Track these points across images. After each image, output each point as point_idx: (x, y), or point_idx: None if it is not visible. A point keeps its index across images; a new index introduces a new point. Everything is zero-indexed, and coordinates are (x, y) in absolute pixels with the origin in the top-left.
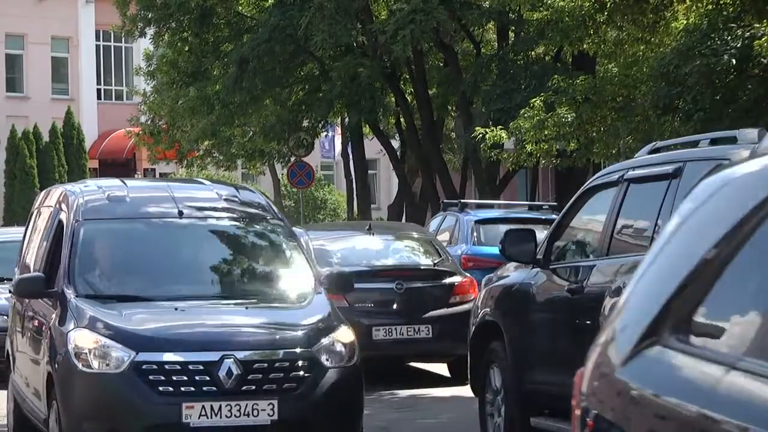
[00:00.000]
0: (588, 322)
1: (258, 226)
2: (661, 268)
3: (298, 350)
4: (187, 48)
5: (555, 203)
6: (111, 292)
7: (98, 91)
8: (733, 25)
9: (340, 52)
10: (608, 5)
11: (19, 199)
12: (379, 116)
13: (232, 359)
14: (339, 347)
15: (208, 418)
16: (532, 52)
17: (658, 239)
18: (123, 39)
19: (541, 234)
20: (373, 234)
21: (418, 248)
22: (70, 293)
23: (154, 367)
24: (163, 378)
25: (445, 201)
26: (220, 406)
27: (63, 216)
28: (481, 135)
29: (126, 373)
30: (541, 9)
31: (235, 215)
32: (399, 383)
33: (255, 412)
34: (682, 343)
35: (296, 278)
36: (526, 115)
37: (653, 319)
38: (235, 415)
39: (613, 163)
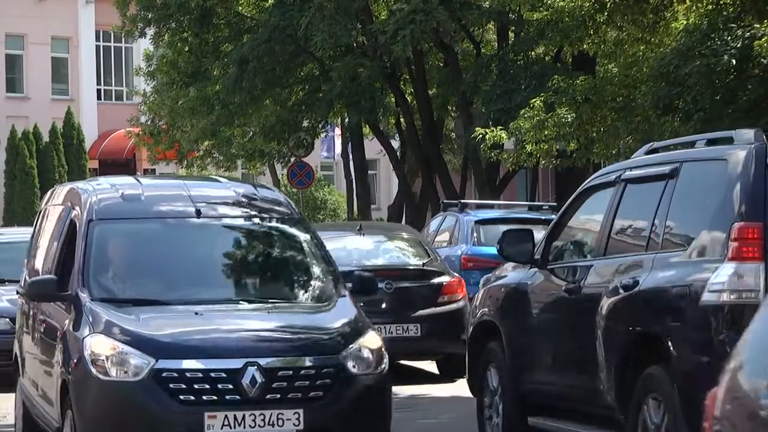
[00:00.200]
0: (585, 322)
1: (278, 226)
2: None
3: (324, 357)
4: (187, 48)
5: (555, 203)
6: (127, 296)
7: (98, 91)
8: (733, 25)
9: (340, 52)
10: (608, 5)
11: (19, 200)
12: (379, 116)
13: (255, 366)
14: (366, 353)
15: (231, 428)
16: (532, 53)
17: None
18: (123, 39)
19: (541, 234)
20: (363, 234)
21: (408, 249)
22: (84, 297)
23: (175, 375)
24: (184, 386)
25: (445, 201)
26: (244, 416)
27: (75, 215)
28: (481, 135)
29: (145, 381)
30: (541, 9)
31: (254, 214)
32: (398, 383)
33: (280, 422)
34: None
35: (319, 280)
36: (526, 115)
37: None
38: (259, 425)
39: (613, 164)
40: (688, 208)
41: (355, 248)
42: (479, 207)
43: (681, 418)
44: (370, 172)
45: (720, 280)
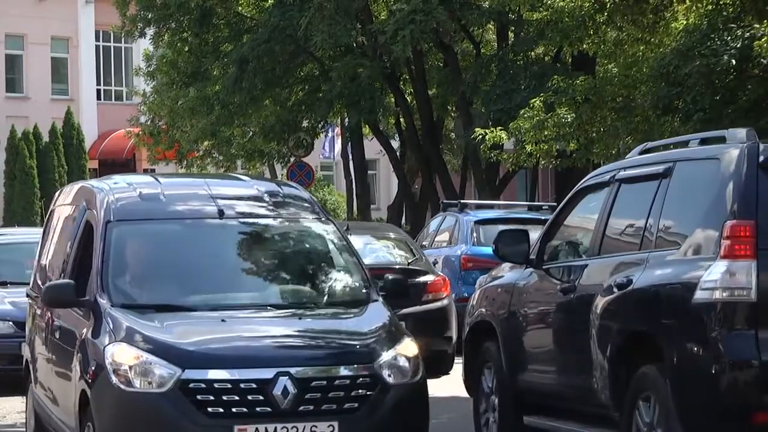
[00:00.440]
0: (580, 321)
1: (305, 226)
2: None
3: (359, 366)
4: (186, 48)
5: (555, 204)
6: (148, 301)
7: (98, 91)
8: (732, 25)
9: (339, 52)
10: (608, 5)
11: (18, 200)
12: (379, 116)
13: (287, 376)
14: (403, 362)
15: None
16: (532, 53)
17: None
18: (123, 39)
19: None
20: (350, 234)
21: (394, 248)
22: (104, 302)
23: (203, 385)
24: (212, 398)
25: (444, 201)
26: (276, 429)
27: (91, 216)
28: (480, 136)
29: (171, 392)
30: (541, 9)
31: (279, 214)
32: None
33: None
34: None
35: (350, 283)
36: (525, 115)
37: None
38: None
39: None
40: (682, 207)
41: None
42: (479, 207)
43: (674, 416)
44: (369, 172)
45: (712, 278)
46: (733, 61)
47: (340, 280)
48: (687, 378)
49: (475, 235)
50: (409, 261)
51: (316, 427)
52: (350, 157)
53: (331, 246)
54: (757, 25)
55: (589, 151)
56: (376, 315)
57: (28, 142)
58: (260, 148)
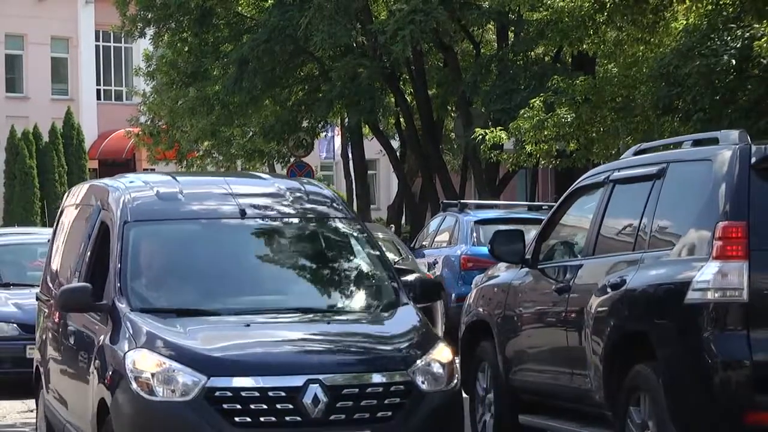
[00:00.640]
0: (575, 321)
1: (331, 225)
2: None
3: (392, 372)
4: (186, 48)
5: (554, 204)
6: (169, 305)
7: (98, 91)
8: (732, 25)
9: (339, 52)
10: (608, 6)
11: (18, 200)
12: (379, 116)
13: (318, 384)
14: (437, 368)
15: None
16: (532, 53)
17: None
18: (123, 39)
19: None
20: None
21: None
22: (122, 307)
23: (229, 394)
24: (239, 407)
25: (444, 201)
26: None
27: (106, 216)
28: (480, 136)
29: (196, 400)
30: (541, 9)
31: (303, 213)
32: None
33: None
34: None
35: (379, 285)
36: (525, 115)
37: None
38: None
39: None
40: (675, 208)
41: None
42: (479, 207)
43: (667, 415)
44: (369, 172)
45: (704, 278)
46: (733, 61)
47: (368, 282)
48: (680, 377)
49: (475, 235)
50: (397, 260)
51: None
52: (350, 157)
53: (357, 246)
54: (757, 25)
55: (589, 151)
56: (407, 318)
57: (28, 142)
58: (260, 148)
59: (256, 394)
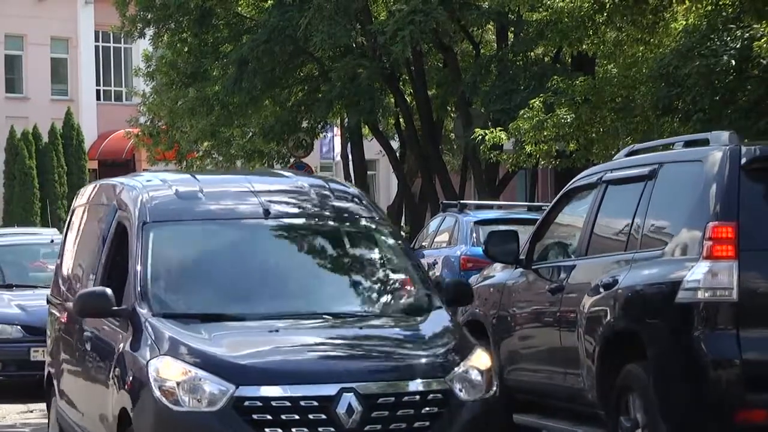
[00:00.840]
0: (568, 321)
1: (359, 225)
2: None
3: (429, 380)
4: (186, 49)
5: None
6: (192, 310)
7: (98, 91)
8: (732, 26)
9: (339, 52)
10: (607, 6)
11: (18, 200)
12: (379, 117)
13: (352, 393)
14: (475, 375)
15: None
16: (532, 53)
17: None
18: (122, 40)
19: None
20: None
21: None
22: (143, 312)
23: (259, 403)
24: (269, 417)
25: (444, 202)
26: None
27: (123, 217)
28: (480, 136)
29: (224, 411)
30: (541, 10)
31: (329, 213)
32: None
33: None
34: None
35: (411, 289)
36: (525, 115)
37: None
38: None
39: None
40: (667, 209)
41: None
42: (478, 207)
43: (658, 414)
44: (369, 172)
45: (695, 278)
46: (733, 62)
47: (400, 286)
48: (670, 376)
49: (474, 235)
50: None
51: None
52: (350, 157)
53: (387, 247)
54: (757, 26)
55: (588, 152)
56: (441, 323)
57: (28, 143)
58: (260, 149)
59: (287, 403)
